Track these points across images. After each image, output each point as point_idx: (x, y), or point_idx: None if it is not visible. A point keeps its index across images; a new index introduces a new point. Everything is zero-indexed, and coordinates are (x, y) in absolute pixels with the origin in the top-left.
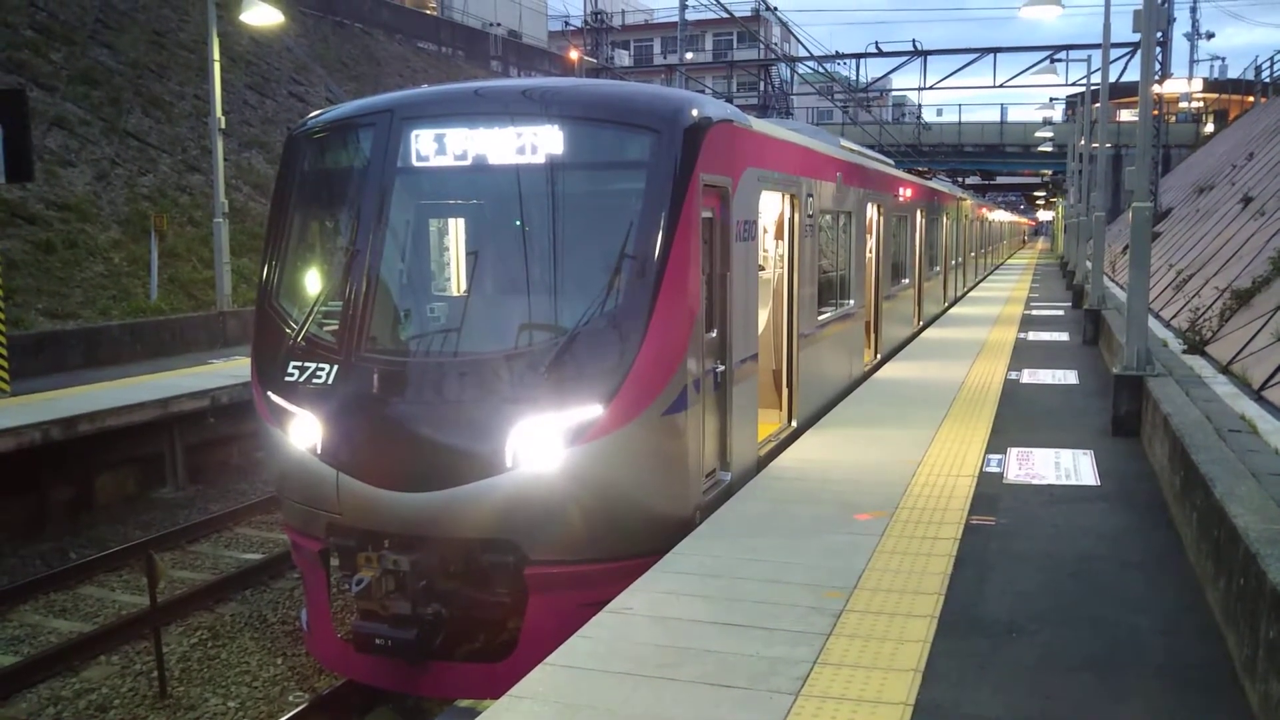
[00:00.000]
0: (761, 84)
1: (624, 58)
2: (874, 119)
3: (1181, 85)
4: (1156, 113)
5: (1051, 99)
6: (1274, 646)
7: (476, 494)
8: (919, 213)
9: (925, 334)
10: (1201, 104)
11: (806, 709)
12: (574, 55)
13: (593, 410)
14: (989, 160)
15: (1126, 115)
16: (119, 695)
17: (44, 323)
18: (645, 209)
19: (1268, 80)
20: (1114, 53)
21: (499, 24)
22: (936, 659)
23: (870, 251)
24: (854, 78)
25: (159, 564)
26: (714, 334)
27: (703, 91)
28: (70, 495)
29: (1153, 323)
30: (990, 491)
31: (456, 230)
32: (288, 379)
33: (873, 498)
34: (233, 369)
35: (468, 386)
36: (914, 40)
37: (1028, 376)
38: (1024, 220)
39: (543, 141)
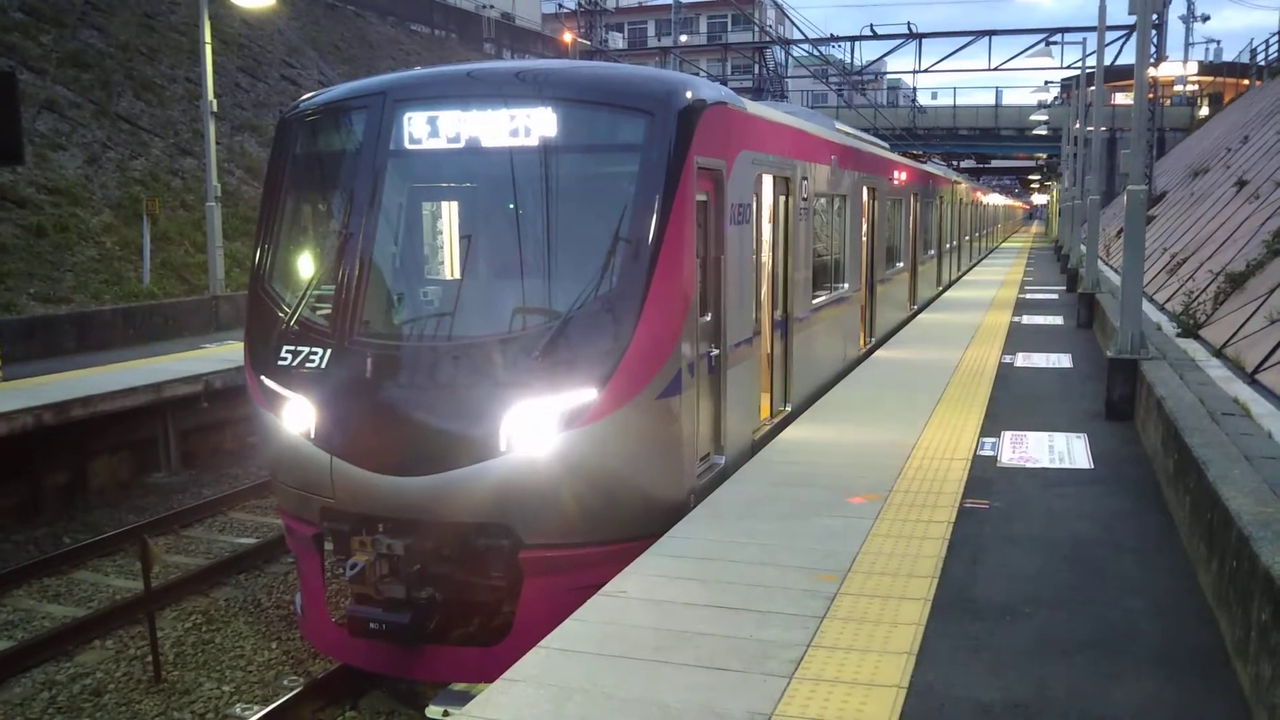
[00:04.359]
0: (756, 67)
1: (618, 40)
2: (869, 102)
3: (1177, 68)
4: (1151, 96)
5: (1047, 82)
6: (1266, 629)
7: (471, 478)
8: (913, 196)
9: (920, 317)
10: (1196, 87)
11: (801, 691)
12: (568, 38)
13: (587, 394)
14: (984, 144)
15: (1121, 98)
16: (113, 680)
17: (35, 307)
18: (639, 192)
19: (1263, 63)
20: (1109, 35)
21: (492, 6)
22: (930, 642)
23: (865, 235)
24: (849, 61)
25: (153, 549)
26: (708, 318)
27: (697, 74)
28: (63, 480)
29: (1147, 306)
30: (984, 475)
31: (450, 213)
32: (281, 363)
33: (867, 481)
34: (226, 353)
35: (461, 370)
36: (909, 23)
37: (1022, 360)
38: (1018, 204)
39: (536, 124)
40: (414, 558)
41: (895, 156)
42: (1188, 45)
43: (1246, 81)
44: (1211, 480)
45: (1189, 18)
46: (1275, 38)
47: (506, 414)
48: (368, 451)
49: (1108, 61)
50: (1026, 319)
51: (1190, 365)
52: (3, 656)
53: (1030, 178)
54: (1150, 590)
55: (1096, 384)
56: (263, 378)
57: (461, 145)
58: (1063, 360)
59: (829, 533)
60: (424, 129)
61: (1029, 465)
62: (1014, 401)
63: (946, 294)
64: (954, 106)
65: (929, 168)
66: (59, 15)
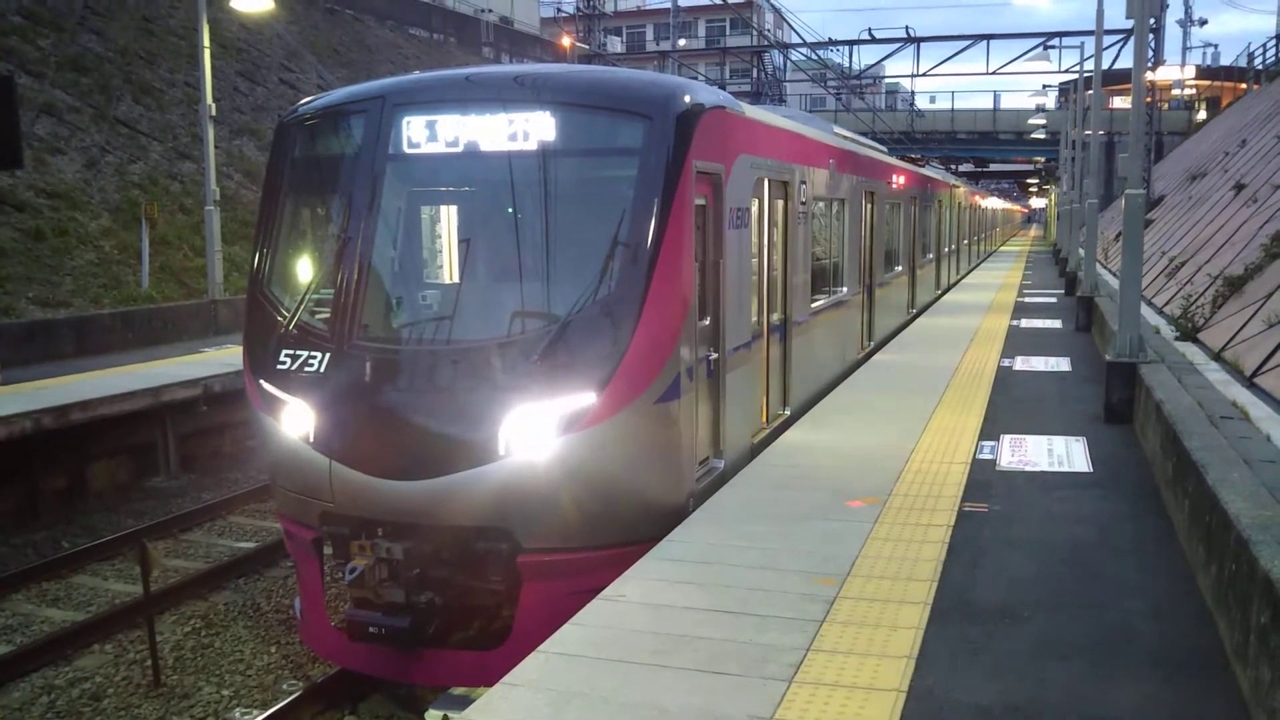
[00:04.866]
0: (754, 71)
1: (616, 44)
2: (867, 106)
3: (1174, 72)
4: (1149, 100)
5: (1045, 86)
6: (1265, 632)
7: (469, 482)
8: (912, 200)
9: (919, 321)
10: (1194, 91)
11: (800, 696)
12: (566, 42)
13: (585, 398)
14: (982, 147)
15: (1119, 102)
16: (112, 684)
17: (34, 311)
18: (638, 196)
19: (1260, 67)
20: (1107, 39)
21: (491, 10)
22: (930, 645)
23: (863, 239)
24: (847, 64)
25: (152, 553)
26: (707, 321)
27: (695, 78)
28: (62, 484)
29: (1145, 310)
30: (983, 478)
31: (449, 217)
32: (280, 367)
33: (866, 484)
34: (225, 357)
35: (460, 374)
36: (907, 27)
37: (1021, 363)
38: (1017, 207)
39: (534, 128)
40: (413, 562)
41: (894, 160)
42: (1185, 49)
43: (1244, 85)
44: (1210, 483)
45: (1186, 22)
46: (1272, 41)
47: (505, 418)
48: (367, 456)
49: (1105, 65)
50: (1025, 322)
51: (1189, 369)
52: (2, 661)
53: (1028, 181)
54: (1149, 593)
55: (1095, 387)
56: (262, 382)
57: (460, 149)
58: (1061, 364)
59: (828, 536)
60: (423, 133)
61: (1028, 469)
62: (1013, 405)
63: (945, 297)
64: (952, 110)
65: (927, 171)
66: (58, 19)
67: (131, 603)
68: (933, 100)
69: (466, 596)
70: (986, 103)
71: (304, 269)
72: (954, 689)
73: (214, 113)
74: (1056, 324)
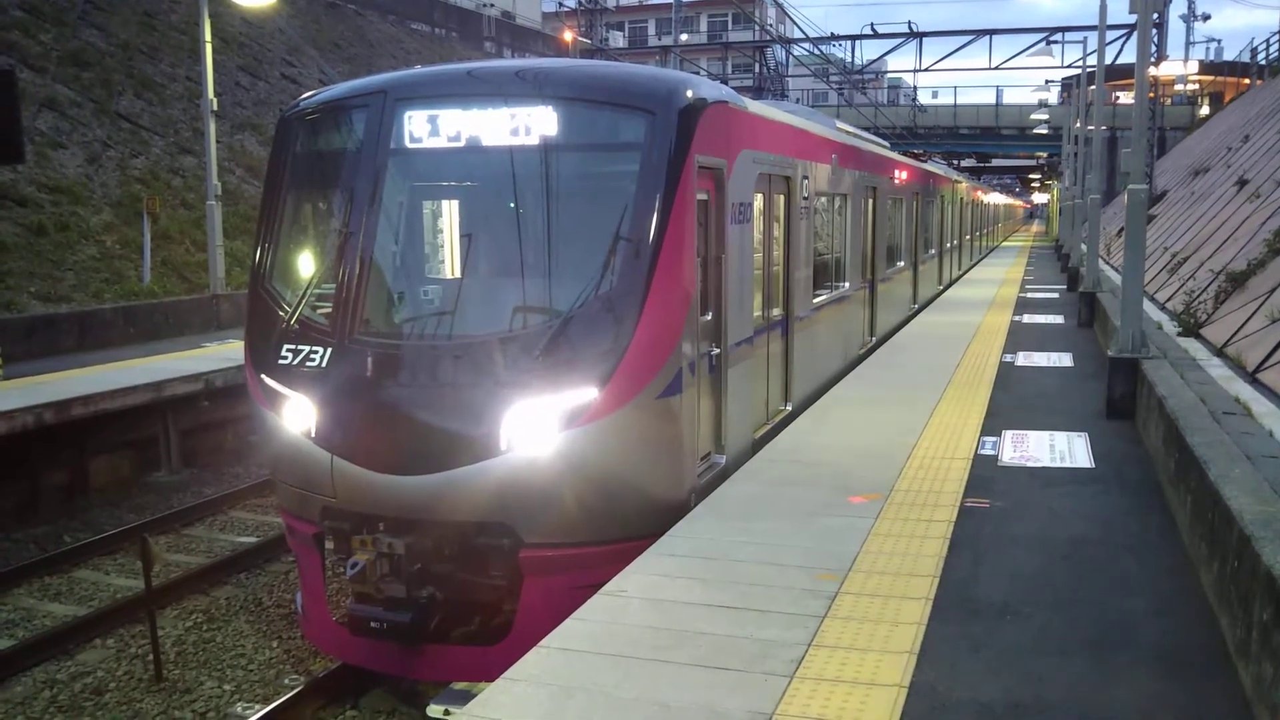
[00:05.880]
0: (756, 66)
1: (618, 39)
2: (869, 101)
3: (1177, 67)
4: (1152, 95)
5: (1047, 81)
6: (1267, 629)
7: (471, 477)
8: (914, 195)
9: (921, 316)
10: (1197, 86)
11: (801, 691)
12: (568, 36)
13: (587, 393)
14: (984, 143)
15: (1122, 97)
16: (114, 678)
17: (36, 306)
18: (640, 191)
19: (1264, 62)
20: (1110, 34)
21: (492, 4)
22: (931, 641)
23: (866, 234)
24: (849, 59)
25: (153, 548)
26: (709, 317)
27: (697, 73)
28: (64, 479)
29: (1148, 305)
30: (985, 474)
31: (450, 212)
32: (282, 362)
33: (867, 480)
34: (226, 352)
35: (462, 370)
36: (909, 22)
37: (1023, 359)
38: (1019, 203)
39: (536, 122)
40: (414, 557)
41: (896, 155)
42: (1188, 44)
43: (1247, 80)
44: (1213, 479)
45: (1190, 17)
46: (1276, 37)
47: (507, 413)
48: (368, 450)
49: (1108, 61)
50: (1027, 318)
51: (1191, 364)
52: (4, 655)
53: (1031, 176)
54: (1151, 590)
55: (1097, 383)
56: (263, 376)
57: (462, 144)
58: (1064, 359)
59: (829, 532)
60: (425, 128)
61: (1030, 464)
62: (1015, 400)
63: (948, 293)
64: (954, 105)
65: (930, 167)
66: (59, 14)
67: (133, 597)
68: (935, 95)
69: (468, 591)
70: (989, 98)
71: (306, 264)
72: (955, 685)
73: (215, 107)
74: (1059, 319)
